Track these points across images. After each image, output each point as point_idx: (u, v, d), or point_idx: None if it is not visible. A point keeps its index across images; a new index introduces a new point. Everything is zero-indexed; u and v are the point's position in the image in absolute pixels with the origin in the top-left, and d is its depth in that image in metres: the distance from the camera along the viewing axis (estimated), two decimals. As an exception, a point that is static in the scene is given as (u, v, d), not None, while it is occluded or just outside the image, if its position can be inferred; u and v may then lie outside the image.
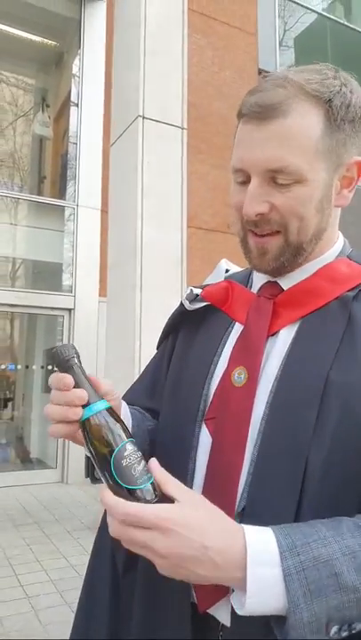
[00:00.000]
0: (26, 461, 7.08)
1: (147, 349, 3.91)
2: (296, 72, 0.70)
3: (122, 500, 0.57)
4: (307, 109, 0.67)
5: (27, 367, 7.58)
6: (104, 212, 6.45)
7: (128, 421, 0.80)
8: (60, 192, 7.49)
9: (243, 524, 0.59)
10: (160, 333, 0.97)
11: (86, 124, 6.95)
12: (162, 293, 4.10)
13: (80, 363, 0.65)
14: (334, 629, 0.55)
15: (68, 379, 0.62)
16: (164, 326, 0.94)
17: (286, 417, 0.65)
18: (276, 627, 0.56)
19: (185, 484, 0.64)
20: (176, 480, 0.61)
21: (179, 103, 4.86)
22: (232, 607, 0.60)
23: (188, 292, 0.88)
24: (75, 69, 7.29)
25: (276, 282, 0.77)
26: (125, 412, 0.80)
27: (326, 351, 0.67)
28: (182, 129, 4.79)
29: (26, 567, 3.61)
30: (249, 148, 0.69)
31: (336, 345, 0.67)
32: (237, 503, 0.67)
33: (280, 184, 0.68)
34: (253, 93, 0.69)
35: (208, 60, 7.01)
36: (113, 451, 0.60)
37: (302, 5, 8.94)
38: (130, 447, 0.61)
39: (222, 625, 0.69)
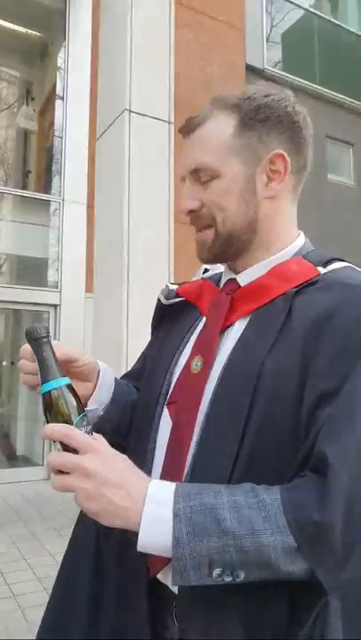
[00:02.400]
0: (12, 459, 7.00)
1: (134, 342, 3.88)
2: (225, 91, 0.83)
3: (74, 428, 0.68)
4: (219, 117, 0.80)
5: (12, 363, 7.50)
6: (90, 206, 6.40)
7: (109, 385, 0.91)
8: (46, 186, 7.40)
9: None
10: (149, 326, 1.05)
11: (72, 118, 6.86)
12: (149, 288, 4.07)
13: (50, 342, 0.72)
14: (217, 571, 0.62)
15: (27, 350, 0.75)
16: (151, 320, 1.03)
17: (227, 400, 0.73)
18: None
19: (145, 462, 0.80)
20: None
21: (166, 97, 4.83)
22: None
23: (164, 287, 0.97)
24: (60, 61, 7.19)
25: (235, 279, 0.85)
26: (107, 378, 0.91)
27: (265, 342, 0.73)
28: (169, 123, 4.75)
29: (11, 566, 3.56)
30: (182, 159, 0.83)
31: (274, 336, 0.73)
32: (185, 473, 0.75)
33: (203, 181, 0.80)
34: None
35: (196, 54, 6.96)
36: (72, 420, 0.68)
37: (290, 1, 8.92)
38: (85, 420, 0.70)
39: (175, 596, 0.74)
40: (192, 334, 0.88)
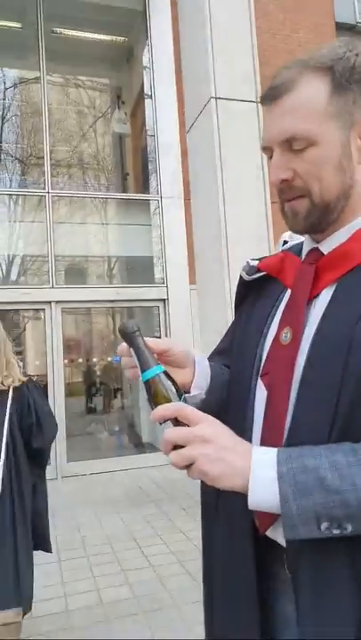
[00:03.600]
0: (138, 446, 7.46)
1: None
2: (309, 52, 0.78)
3: (187, 405, 0.72)
4: (311, 80, 0.75)
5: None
6: (187, 200, 6.55)
7: (205, 372, 0.93)
8: (144, 186, 7.69)
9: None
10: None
11: (161, 116, 7.05)
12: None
13: (141, 336, 0.79)
14: (325, 525, 0.66)
15: (124, 347, 0.81)
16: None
17: (320, 367, 0.74)
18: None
19: (245, 431, 0.83)
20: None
21: (251, 77, 4.77)
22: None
23: (245, 264, 0.97)
24: (145, 61, 7.41)
25: (317, 248, 0.84)
26: (203, 365, 0.93)
27: (353, 310, 0.72)
28: (257, 103, 4.69)
29: (148, 541, 3.84)
30: (267, 128, 0.79)
31: None
32: (284, 438, 0.77)
33: (296, 150, 0.76)
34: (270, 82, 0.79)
35: (278, 23, 6.74)
36: (169, 401, 0.73)
37: None
38: (188, 399, 0.76)
39: (285, 549, 0.78)
40: (278, 308, 0.89)
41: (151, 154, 7.25)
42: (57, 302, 6.52)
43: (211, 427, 0.70)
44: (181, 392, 0.76)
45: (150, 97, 7.21)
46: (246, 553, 0.83)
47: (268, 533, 0.80)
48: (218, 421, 0.73)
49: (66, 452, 6.28)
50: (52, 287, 6.58)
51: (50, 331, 6.44)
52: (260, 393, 0.84)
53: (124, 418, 8.36)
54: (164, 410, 0.71)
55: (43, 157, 6.82)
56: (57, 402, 6.22)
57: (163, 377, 0.76)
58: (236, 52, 4.73)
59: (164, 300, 6.89)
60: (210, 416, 0.73)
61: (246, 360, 0.89)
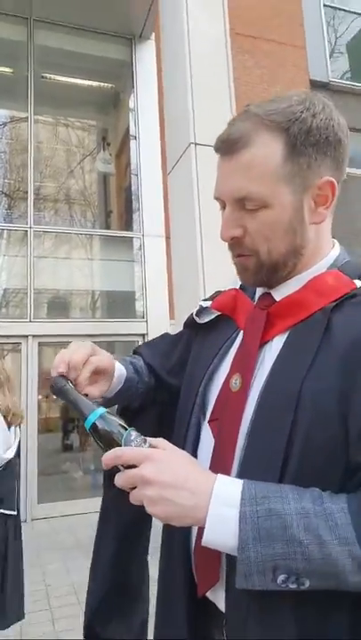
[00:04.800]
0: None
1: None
2: (266, 103, 0.77)
3: (124, 447, 0.70)
4: (266, 140, 0.74)
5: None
6: (168, 238, 6.68)
7: (120, 379, 0.95)
8: (127, 224, 7.85)
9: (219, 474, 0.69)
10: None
11: (145, 158, 7.29)
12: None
13: (71, 386, 0.80)
14: (282, 577, 0.62)
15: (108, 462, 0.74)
16: (186, 320, 1.07)
17: (268, 420, 0.72)
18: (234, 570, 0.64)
19: None
20: (170, 444, 0.73)
21: (229, 125, 4.98)
22: (225, 593, 0.70)
23: (198, 307, 0.97)
24: (131, 105, 7.69)
25: (270, 293, 0.84)
26: (119, 373, 0.95)
27: (304, 360, 0.72)
28: (234, 149, 4.88)
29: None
30: (220, 180, 0.79)
31: (313, 354, 0.72)
32: None
33: (249, 209, 0.76)
34: (225, 129, 0.78)
35: (257, 78, 7.12)
36: (120, 441, 0.72)
37: (351, 12, 8.83)
38: (133, 433, 0.73)
39: (224, 614, 0.74)
40: (229, 348, 0.88)
41: (134, 193, 7.44)
42: (34, 336, 6.51)
43: (153, 465, 0.67)
44: (126, 427, 0.75)
45: (135, 138, 7.46)
46: (181, 614, 0.80)
47: (209, 595, 0.78)
48: (165, 455, 0.69)
49: (37, 492, 6.13)
50: (30, 321, 6.58)
51: (25, 365, 6.40)
52: (207, 440, 0.83)
53: (101, 456, 8.18)
54: (106, 459, 0.70)
55: (27, 193, 6.96)
56: (30, 438, 6.12)
57: (103, 420, 0.75)
58: (216, 100, 4.97)
59: (143, 334, 6.93)
60: (155, 451, 0.69)
61: (189, 402, 0.90)
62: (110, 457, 0.70)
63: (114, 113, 8.49)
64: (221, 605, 0.74)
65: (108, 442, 0.73)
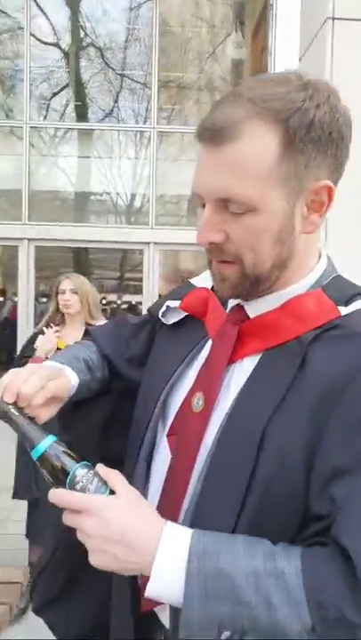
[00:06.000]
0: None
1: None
2: (260, 84, 0.65)
3: (65, 491, 0.67)
4: (260, 131, 0.63)
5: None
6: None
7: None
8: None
9: (169, 522, 0.66)
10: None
11: (281, 41, 6.38)
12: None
13: (18, 411, 0.74)
14: (226, 634, 0.62)
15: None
16: (150, 305, 1.00)
17: (228, 457, 0.69)
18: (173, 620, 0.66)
19: (137, 485, 0.76)
20: (123, 479, 0.69)
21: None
22: (170, 612, 0.70)
23: (164, 308, 0.89)
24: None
25: (243, 307, 0.76)
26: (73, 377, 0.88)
27: (274, 395, 0.67)
28: (384, 22, 3.95)
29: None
30: (201, 174, 0.68)
31: (283, 391, 0.67)
32: (182, 513, 0.73)
33: (233, 213, 0.66)
34: (210, 112, 0.67)
35: None
36: (66, 480, 0.69)
37: None
38: (80, 471, 0.69)
39: (164, 627, 0.76)
40: (196, 356, 0.83)
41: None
42: (155, 243, 6.50)
43: (92, 519, 0.64)
44: (77, 460, 0.71)
45: (272, 19, 6.49)
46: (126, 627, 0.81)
47: (156, 609, 0.77)
48: (112, 501, 0.66)
49: None
50: (152, 228, 6.58)
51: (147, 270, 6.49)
52: (165, 452, 0.81)
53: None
54: (50, 498, 0.68)
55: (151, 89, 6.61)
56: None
57: (51, 451, 0.71)
58: None
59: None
60: (110, 486, 0.67)
61: (148, 409, 0.85)
62: (53, 498, 0.67)
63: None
64: (166, 621, 0.75)
65: (55, 476, 0.70)
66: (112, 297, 9.22)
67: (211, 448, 0.72)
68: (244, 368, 0.74)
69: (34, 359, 2.41)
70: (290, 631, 0.60)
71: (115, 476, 0.69)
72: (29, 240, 6.44)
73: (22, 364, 2.67)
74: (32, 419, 0.75)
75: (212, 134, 0.65)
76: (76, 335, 2.62)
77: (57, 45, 7.27)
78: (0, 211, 6.97)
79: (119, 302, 8.92)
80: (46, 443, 0.71)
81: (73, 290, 2.66)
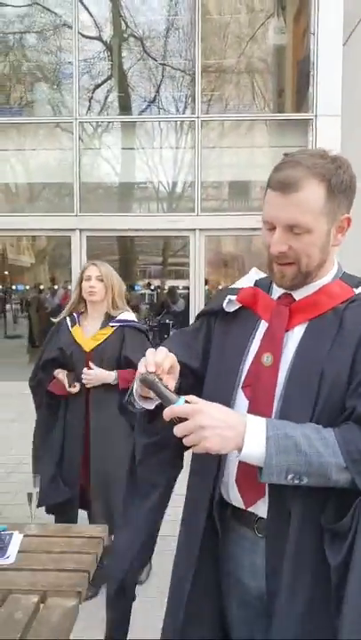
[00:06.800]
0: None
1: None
2: (305, 156, 1.04)
3: (175, 406, 0.96)
4: (314, 185, 1.02)
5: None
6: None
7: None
8: (298, 104, 7.13)
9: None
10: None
11: (324, 26, 6.33)
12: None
13: (160, 380, 1.00)
14: (290, 476, 0.94)
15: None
16: (201, 311, 1.33)
17: (298, 389, 1.03)
18: (259, 473, 0.96)
19: None
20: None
21: None
22: (268, 505, 1.03)
23: (227, 301, 1.22)
24: None
25: (290, 294, 1.14)
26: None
27: (323, 346, 1.03)
28: None
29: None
30: (275, 210, 1.05)
31: (330, 343, 1.03)
32: None
33: (296, 233, 1.04)
34: (277, 172, 1.05)
35: None
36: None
37: None
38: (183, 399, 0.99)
39: (258, 518, 1.08)
40: (253, 337, 1.16)
41: (309, 68, 6.57)
42: (200, 230, 6.70)
43: (200, 414, 0.94)
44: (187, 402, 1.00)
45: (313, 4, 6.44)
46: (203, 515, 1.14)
47: (251, 509, 1.09)
48: (206, 407, 0.96)
49: None
50: (197, 215, 6.76)
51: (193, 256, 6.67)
52: (241, 401, 1.11)
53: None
54: (167, 416, 0.97)
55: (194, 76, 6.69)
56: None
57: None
58: None
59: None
60: (199, 404, 0.97)
61: (230, 374, 1.15)
62: (167, 413, 0.96)
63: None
64: (263, 513, 1.07)
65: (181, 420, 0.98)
66: (156, 282, 9.49)
67: (283, 386, 1.05)
68: (295, 334, 1.09)
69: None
70: (330, 472, 0.93)
71: (195, 397, 1.00)
72: (81, 230, 6.76)
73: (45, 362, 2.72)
74: (166, 386, 1.01)
75: (284, 187, 1.01)
76: (95, 326, 2.64)
77: (99, 38, 7.46)
78: (52, 204, 7.30)
79: (164, 287, 9.12)
80: (180, 402, 0.97)
81: (99, 277, 2.60)
